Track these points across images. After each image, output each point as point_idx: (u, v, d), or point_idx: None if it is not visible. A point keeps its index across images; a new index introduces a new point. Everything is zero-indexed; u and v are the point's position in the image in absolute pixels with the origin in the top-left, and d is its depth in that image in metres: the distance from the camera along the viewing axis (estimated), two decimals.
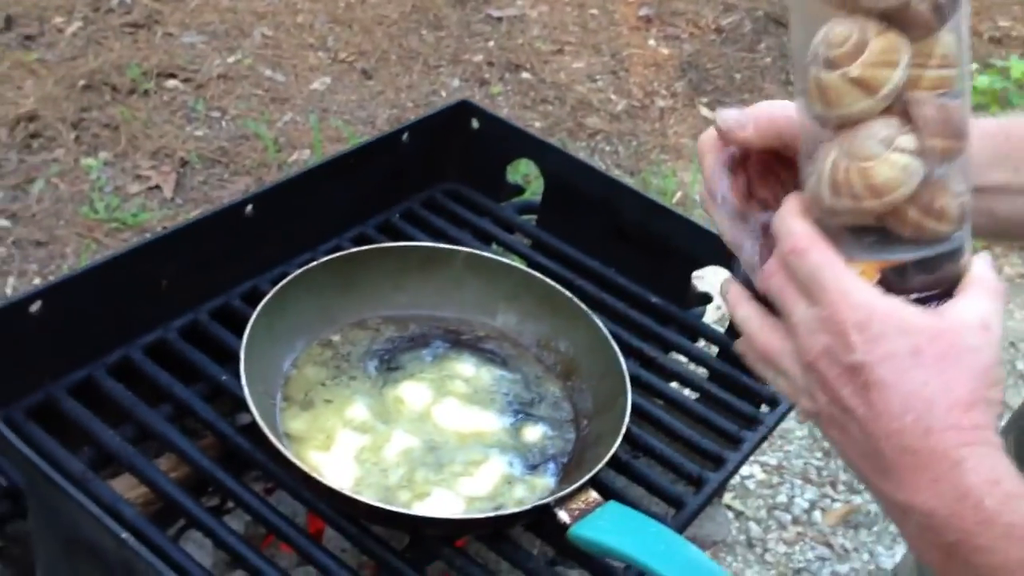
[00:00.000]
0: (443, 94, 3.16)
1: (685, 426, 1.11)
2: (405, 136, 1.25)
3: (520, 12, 3.53)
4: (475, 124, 1.32)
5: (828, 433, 0.63)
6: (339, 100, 3.09)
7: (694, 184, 2.97)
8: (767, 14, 3.67)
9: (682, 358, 1.23)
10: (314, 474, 0.91)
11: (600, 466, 0.95)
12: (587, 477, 0.93)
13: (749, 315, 0.67)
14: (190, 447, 0.99)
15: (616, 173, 2.94)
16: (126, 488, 1.03)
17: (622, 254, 1.26)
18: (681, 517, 1.01)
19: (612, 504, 0.93)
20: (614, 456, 0.97)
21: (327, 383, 1.06)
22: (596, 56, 3.39)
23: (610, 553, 0.91)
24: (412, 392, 1.06)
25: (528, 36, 3.43)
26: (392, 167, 1.26)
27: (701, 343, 1.25)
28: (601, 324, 1.09)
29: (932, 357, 0.58)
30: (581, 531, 0.91)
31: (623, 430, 0.98)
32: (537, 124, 3.09)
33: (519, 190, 1.36)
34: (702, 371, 1.23)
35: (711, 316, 1.30)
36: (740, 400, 1.16)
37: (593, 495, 0.94)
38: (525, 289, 1.14)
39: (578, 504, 0.93)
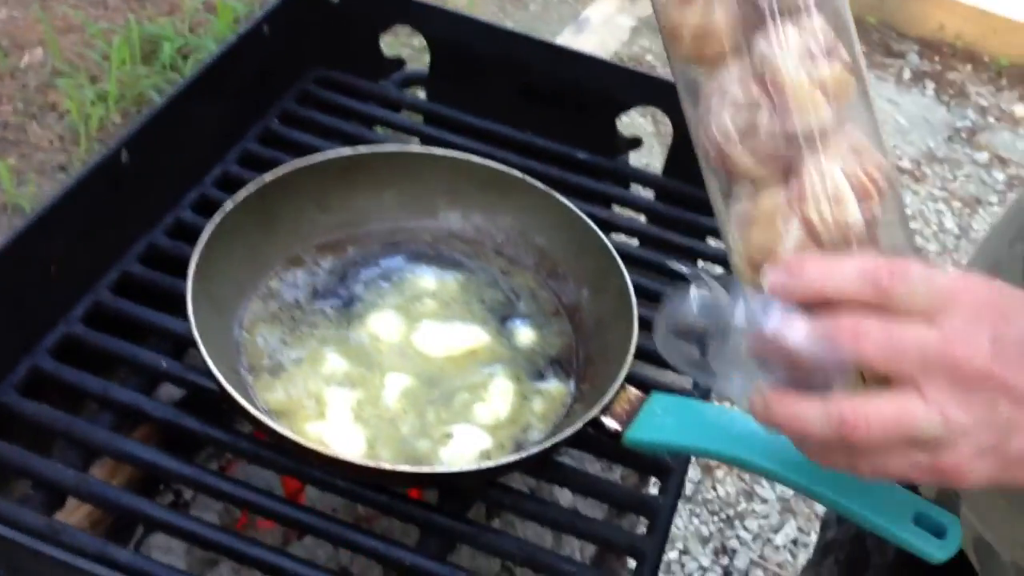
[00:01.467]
0: None
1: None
2: (265, 29, 1.06)
3: None
4: None
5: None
6: None
7: (471, 5, 2.83)
8: None
9: (624, 210, 1.15)
10: (326, 451, 0.78)
11: (629, 360, 0.86)
12: (622, 375, 0.85)
13: (821, 410, 0.54)
14: (133, 445, 0.82)
15: None
16: (66, 514, 0.87)
17: (534, 113, 1.14)
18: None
19: (656, 396, 0.86)
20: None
21: (288, 340, 0.91)
22: None
23: (673, 449, 0.85)
24: (382, 325, 0.93)
25: None
26: (258, 67, 1.07)
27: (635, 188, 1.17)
28: (560, 197, 0.99)
29: None
30: (638, 435, 0.83)
31: (635, 313, 0.90)
32: None
33: (399, 63, 1.20)
34: (641, 217, 1.16)
35: (635, 159, 1.21)
36: (685, 237, 1.10)
37: (632, 392, 0.86)
38: (465, 178, 1.01)
39: (621, 405, 0.85)
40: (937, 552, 0.65)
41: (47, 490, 0.80)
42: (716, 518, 1.93)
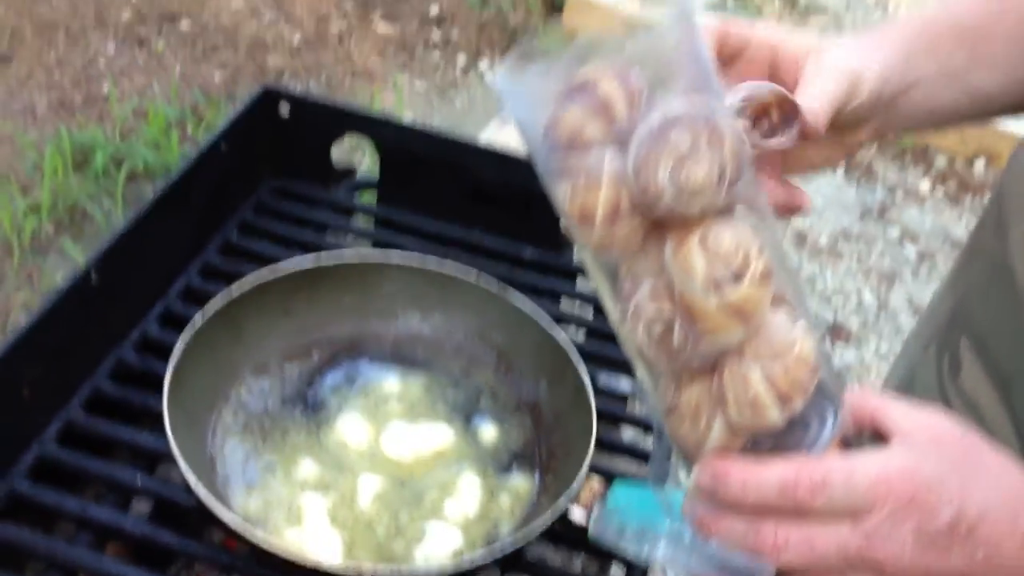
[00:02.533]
0: (101, 63, 2.85)
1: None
2: (223, 146, 1.10)
3: None
4: (285, 110, 1.18)
5: None
6: None
7: (400, 104, 2.90)
8: None
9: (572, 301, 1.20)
10: (307, 559, 0.81)
11: (590, 451, 0.91)
12: (585, 467, 0.89)
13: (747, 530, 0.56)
14: (114, 565, 0.84)
15: (305, 95, 2.80)
16: None
17: (480, 213, 1.20)
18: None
19: (618, 488, 0.90)
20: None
21: (260, 448, 0.93)
22: None
23: (635, 550, 0.89)
24: (350, 429, 0.96)
25: None
26: (216, 182, 1.11)
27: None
28: (515, 296, 1.04)
29: (973, 464, 0.55)
30: (601, 533, 0.86)
31: (592, 405, 0.94)
32: (217, 76, 2.87)
33: (349, 172, 1.25)
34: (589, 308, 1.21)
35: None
36: None
37: (596, 480, 0.90)
38: (420, 283, 1.06)
39: (586, 495, 0.89)
40: None
41: None
42: None
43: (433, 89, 3.05)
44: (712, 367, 0.56)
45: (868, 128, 0.73)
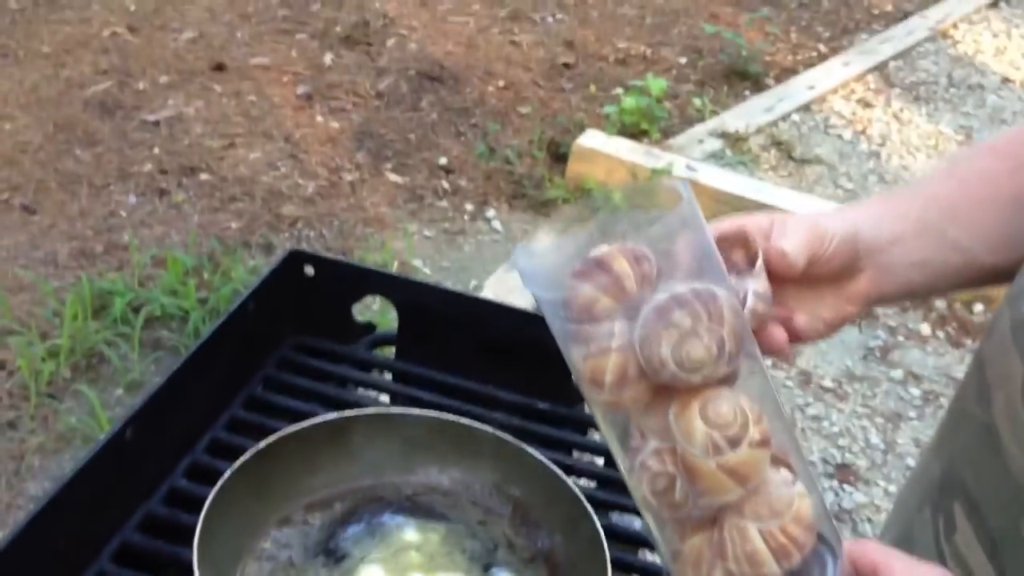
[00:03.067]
0: (123, 214, 2.95)
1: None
2: (250, 305, 1.16)
3: (176, 112, 3.37)
4: (309, 271, 1.25)
5: None
6: (6, 245, 2.80)
7: (410, 251, 2.99)
8: (418, 72, 3.76)
9: (584, 455, 1.24)
10: None
11: None
12: None
13: None
14: None
15: (329, 256, 2.89)
16: None
17: (495, 367, 1.24)
18: None
19: None
20: None
21: None
22: (270, 143, 3.31)
23: None
24: None
25: (193, 135, 3.27)
26: (243, 339, 1.17)
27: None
28: (531, 449, 1.08)
29: None
30: None
31: (607, 556, 0.97)
32: (233, 225, 2.97)
33: (370, 327, 1.30)
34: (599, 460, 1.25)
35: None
36: None
37: None
38: (438, 436, 1.10)
39: None
40: None
41: None
42: None
43: (442, 235, 3.15)
44: (713, 519, 0.60)
45: (863, 280, 0.77)
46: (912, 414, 2.78)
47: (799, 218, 0.73)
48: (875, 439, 2.69)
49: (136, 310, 2.60)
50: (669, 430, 0.59)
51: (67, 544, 0.93)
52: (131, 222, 2.91)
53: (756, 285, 0.68)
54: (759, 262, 0.68)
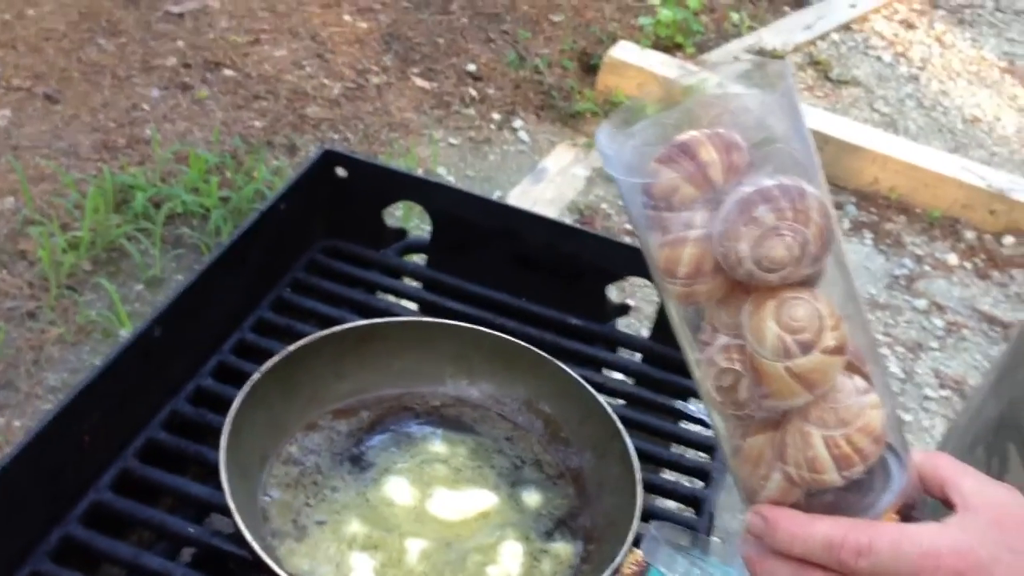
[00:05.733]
0: (145, 107, 2.90)
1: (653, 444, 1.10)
2: (282, 206, 1.13)
3: (202, 5, 3.29)
4: (342, 173, 1.21)
5: None
6: (29, 134, 2.76)
7: (435, 159, 2.94)
8: None
9: (614, 373, 1.22)
10: None
11: (635, 523, 0.92)
12: (630, 538, 0.90)
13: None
14: None
15: (363, 158, 2.85)
16: None
17: (528, 281, 1.22)
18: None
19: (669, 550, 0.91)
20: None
21: (311, 502, 0.95)
22: (296, 41, 3.24)
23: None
24: (397, 490, 0.98)
25: (218, 29, 3.21)
26: (273, 241, 1.14)
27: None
28: (565, 367, 1.05)
29: None
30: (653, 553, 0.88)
31: (638, 477, 0.96)
32: (257, 124, 2.92)
33: (401, 233, 1.27)
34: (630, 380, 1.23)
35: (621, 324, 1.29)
36: (672, 399, 1.17)
37: (639, 553, 0.91)
38: (471, 348, 1.08)
39: (629, 567, 0.90)
40: None
41: None
42: None
43: (467, 144, 3.10)
44: (777, 421, 0.58)
45: None
46: (934, 344, 2.76)
47: None
48: (894, 367, 2.67)
49: (157, 206, 2.57)
50: (741, 327, 0.56)
51: (92, 439, 0.92)
52: (154, 116, 2.87)
53: None
54: None
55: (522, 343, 1.06)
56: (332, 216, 1.23)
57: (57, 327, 2.32)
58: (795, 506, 0.59)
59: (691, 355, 0.60)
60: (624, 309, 1.24)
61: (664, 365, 1.20)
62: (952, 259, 3.04)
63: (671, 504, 1.13)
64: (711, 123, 0.57)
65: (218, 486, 0.86)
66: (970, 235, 3.10)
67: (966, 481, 0.59)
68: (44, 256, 2.41)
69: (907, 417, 2.53)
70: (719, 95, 0.61)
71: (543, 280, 1.22)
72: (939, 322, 2.82)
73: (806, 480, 0.57)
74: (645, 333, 1.26)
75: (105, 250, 2.50)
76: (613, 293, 1.24)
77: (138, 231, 2.52)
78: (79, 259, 2.45)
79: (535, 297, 1.22)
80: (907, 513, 0.60)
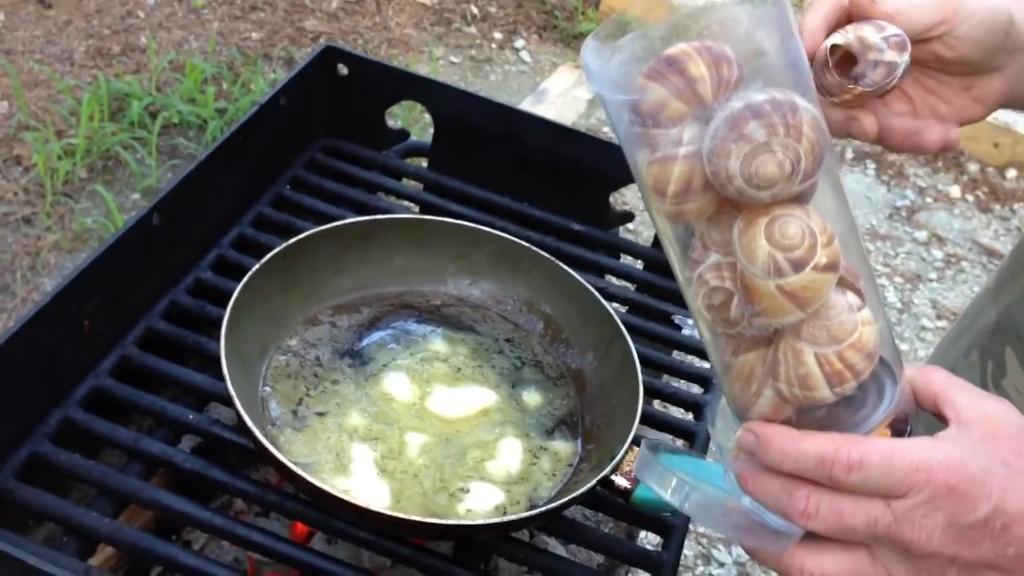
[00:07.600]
0: (141, 15, 2.86)
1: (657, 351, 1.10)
2: (282, 100, 1.11)
3: None
4: (343, 70, 1.19)
5: None
6: (22, 38, 2.71)
7: (434, 75, 2.90)
8: None
9: (614, 279, 1.21)
10: (360, 502, 0.82)
11: (636, 422, 0.92)
12: (630, 436, 0.90)
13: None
14: (165, 496, 0.85)
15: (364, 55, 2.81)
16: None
17: (531, 185, 1.20)
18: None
19: (664, 455, 0.91)
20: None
21: (311, 393, 0.94)
22: None
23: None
24: (397, 386, 0.97)
25: None
26: (273, 136, 1.12)
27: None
28: (567, 268, 1.04)
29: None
30: (648, 493, 0.88)
31: (639, 379, 0.95)
32: (254, 35, 2.87)
33: (403, 134, 1.25)
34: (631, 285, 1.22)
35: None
36: (672, 306, 1.17)
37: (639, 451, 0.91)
38: (472, 247, 1.07)
39: (629, 464, 0.90)
40: None
41: (79, 536, 0.82)
42: None
43: (468, 62, 3.06)
44: (769, 338, 0.57)
45: (999, 80, 0.70)
46: (932, 275, 2.76)
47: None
48: (892, 298, 2.67)
49: (153, 115, 2.55)
50: (732, 245, 0.55)
51: (91, 325, 0.91)
52: (149, 24, 2.82)
53: (880, 33, 0.63)
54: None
55: (524, 243, 1.05)
56: (333, 114, 1.21)
57: (53, 234, 2.30)
58: (787, 422, 0.58)
59: (681, 273, 0.59)
60: (627, 217, 1.23)
61: (666, 273, 1.20)
62: (954, 191, 3.03)
63: (672, 410, 1.13)
64: (700, 35, 0.54)
65: (218, 376, 0.86)
66: (973, 167, 3.08)
67: (959, 395, 0.58)
68: (39, 162, 2.39)
69: (903, 347, 2.54)
70: (708, 5, 0.58)
71: (546, 185, 1.20)
72: (939, 254, 2.82)
73: (798, 397, 0.56)
74: (647, 242, 1.25)
75: (101, 158, 2.47)
76: (618, 202, 1.23)
77: (134, 140, 2.49)
78: (75, 166, 2.42)
79: (538, 202, 1.20)
80: (899, 428, 0.60)
